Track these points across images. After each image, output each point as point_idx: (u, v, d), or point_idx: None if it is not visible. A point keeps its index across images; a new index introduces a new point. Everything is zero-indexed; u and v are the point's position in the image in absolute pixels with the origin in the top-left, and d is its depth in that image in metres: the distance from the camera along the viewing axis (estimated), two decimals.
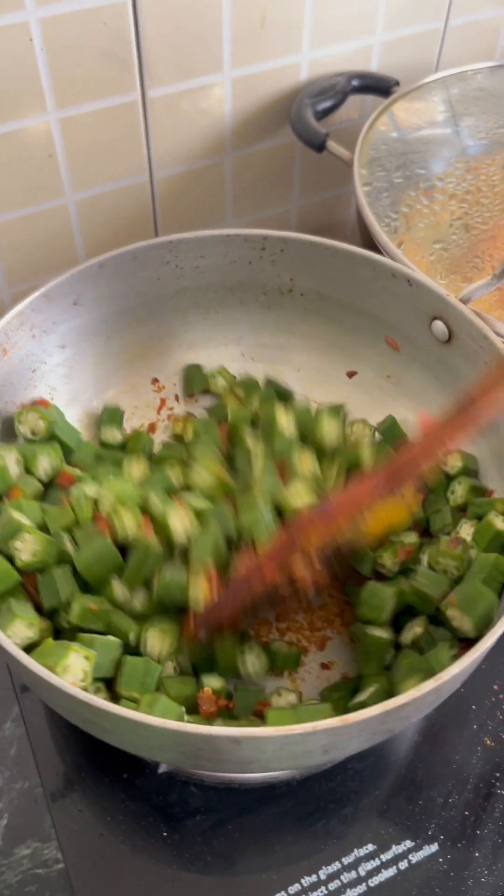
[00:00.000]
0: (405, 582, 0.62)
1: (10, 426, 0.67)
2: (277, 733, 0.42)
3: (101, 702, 0.42)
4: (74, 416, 0.73)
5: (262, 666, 0.62)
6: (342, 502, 0.54)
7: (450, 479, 0.67)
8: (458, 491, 0.65)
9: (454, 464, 0.67)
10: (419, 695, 0.44)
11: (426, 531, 0.67)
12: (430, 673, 0.45)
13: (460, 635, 0.57)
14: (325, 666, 0.65)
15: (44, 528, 0.61)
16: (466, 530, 0.63)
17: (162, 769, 0.56)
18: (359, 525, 0.54)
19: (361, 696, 0.56)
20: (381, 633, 0.61)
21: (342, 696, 0.60)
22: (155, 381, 0.77)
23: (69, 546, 0.60)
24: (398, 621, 0.63)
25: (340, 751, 0.47)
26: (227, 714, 0.58)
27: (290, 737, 0.42)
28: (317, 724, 0.42)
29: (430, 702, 0.47)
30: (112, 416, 0.73)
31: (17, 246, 0.84)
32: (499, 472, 0.64)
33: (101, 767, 0.64)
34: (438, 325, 0.65)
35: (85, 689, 0.46)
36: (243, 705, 0.59)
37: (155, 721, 0.42)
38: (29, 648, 0.54)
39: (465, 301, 0.62)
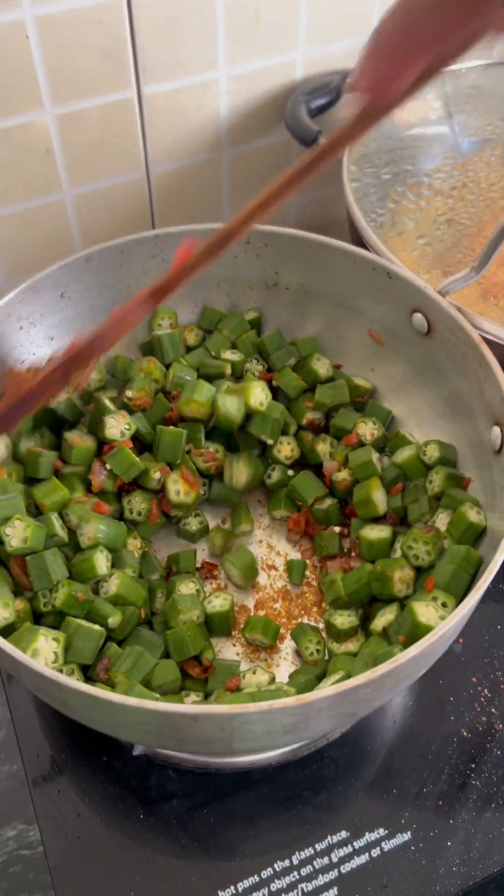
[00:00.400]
0: (371, 567, 0.63)
1: None
2: (233, 711, 0.43)
3: (62, 677, 0.44)
4: None
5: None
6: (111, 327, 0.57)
7: (428, 468, 0.67)
8: (436, 480, 0.66)
9: (432, 454, 0.67)
10: (374, 677, 0.44)
11: (404, 520, 0.68)
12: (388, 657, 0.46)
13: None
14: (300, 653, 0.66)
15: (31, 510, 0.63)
16: (442, 520, 0.63)
17: (137, 751, 0.57)
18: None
19: (326, 682, 0.57)
20: (346, 619, 0.62)
21: (309, 681, 0.61)
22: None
23: (59, 529, 0.61)
24: (371, 609, 0.64)
25: (302, 732, 0.48)
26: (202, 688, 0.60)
27: (246, 715, 0.43)
28: (272, 702, 0.43)
29: (390, 685, 0.48)
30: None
31: (15, 240, 0.86)
32: (475, 462, 0.65)
33: (81, 751, 0.65)
34: (418, 318, 0.66)
35: (59, 671, 0.47)
36: (217, 680, 0.60)
37: (114, 697, 0.43)
38: (6, 631, 0.55)
39: (443, 294, 0.62)
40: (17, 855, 0.62)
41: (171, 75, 0.81)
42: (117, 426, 0.67)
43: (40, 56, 0.74)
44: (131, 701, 0.43)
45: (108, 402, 0.69)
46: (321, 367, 0.73)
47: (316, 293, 0.73)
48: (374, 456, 0.69)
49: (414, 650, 0.46)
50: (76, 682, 0.43)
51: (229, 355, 0.74)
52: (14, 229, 0.85)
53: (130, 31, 0.76)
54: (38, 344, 0.70)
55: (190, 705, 0.43)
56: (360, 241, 0.72)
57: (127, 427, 0.68)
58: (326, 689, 0.43)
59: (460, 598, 0.56)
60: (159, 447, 0.68)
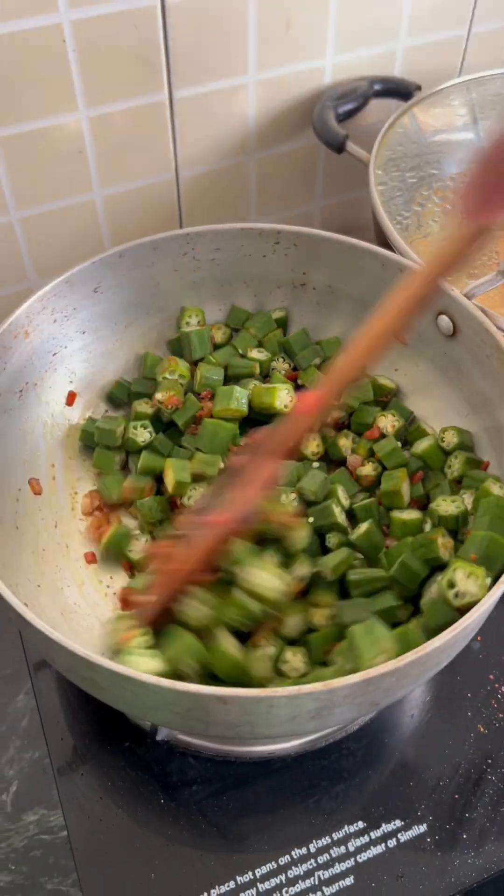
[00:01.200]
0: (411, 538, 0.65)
1: (32, 404, 0.70)
2: (260, 694, 0.44)
3: (95, 657, 0.45)
4: (91, 400, 0.76)
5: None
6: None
7: (447, 454, 0.69)
8: (455, 465, 0.67)
9: (450, 440, 0.69)
10: (400, 665, 0.45)
11: (426, 507, 0.69)
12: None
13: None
14: None
15: None
16: (466, 500, 0.64)
17: (161, 735, 0.58)
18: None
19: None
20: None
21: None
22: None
23: None
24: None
25: (326, 719, 0.49)
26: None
27: (274, 699, 0.44)
28: (300, 687, 0.44)
29: (415, 675, 0.49)
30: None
31: (46, 239, 0.88)
32: (492, 446, 0.66)
33: (105, 737, 0.66)
34: (444, 320, 0.67)
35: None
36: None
37: (147, 678, 0.45)
38: None
39: (469, 297, 0.64)
40: (38, 839, 0.63)
41: (202, 79, 0.83)
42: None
43: (76, 59, 0.76)
44: (164, 682, 0.44)
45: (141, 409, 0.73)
46: None
47: (343, 294, 0.75)
48: (398, 444, 0.70)
49: (438, 641, 0.47)
50: (109, 663, 0.45)
51: (256, 354, 0.76)
52: (45, 228, 0.87)
53: (164, 37, 0.78)
54: (69, 337, 0.72)
55: (219, 688, 0.45)
56: (385, 243, 0.73)
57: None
58: (351, 676, 0.45)
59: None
60: (206, 440, 0.69)
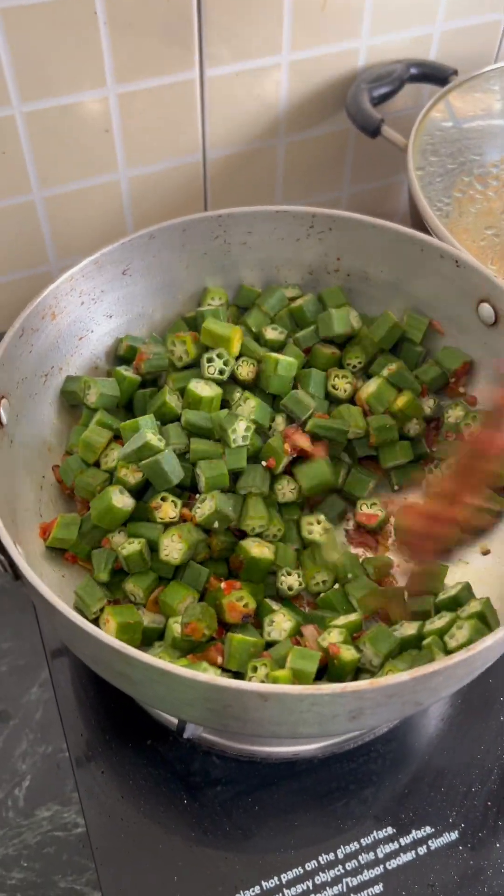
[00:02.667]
0: None
1: (58, 389, 0.68)
2: (306, 692, 0.42)
3: (133, 650, 0.43)
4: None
5: None
6: None
7: None
8: None
9: None
10: (451, 663, 0.43)
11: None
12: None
13: None
14: None
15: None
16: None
17: (188, 733, 0.56)
18: None
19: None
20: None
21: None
22: None
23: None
24: None
25: (367, 719, 0.47)
26: None
27: (319, 696, 0.42)
28: (346, 685, 0.42)
29: (462, 675, 0.47)
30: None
31: (68, 220, 0.86)
32: None
33: (125, 733, 0.64)
34: (485, 308, 0.65)
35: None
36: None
37: (185, 672, 0.42)
38: None
39: None
40: (51, 836, 0.61)
41: (234, 58, 0.81)
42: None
43: (106, 32, 0.74)
44: (202, 676, 0.42)
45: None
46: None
47: (377, 280, 0.72)
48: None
49: (490, 639, 0.44)
50: (146, 656, 0.43)
51: (271, 333, 0.72)
52: (68, 209, 0.85)
53: (198, 12, 0.76)
54: (97, 321, 0.70)
55: (261, 684, 0.42)
56: (423, 230, 0.71)
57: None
58: (401, 674, 0.43)
59: None
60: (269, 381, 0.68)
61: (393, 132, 0.80)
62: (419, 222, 0.72)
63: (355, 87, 0.83)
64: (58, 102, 0.76)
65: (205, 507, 0.62)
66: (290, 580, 0.64)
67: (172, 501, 0.62)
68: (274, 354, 0.67)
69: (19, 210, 0.82)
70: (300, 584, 0.64)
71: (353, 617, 0.60)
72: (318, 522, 0.67)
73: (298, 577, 0.65)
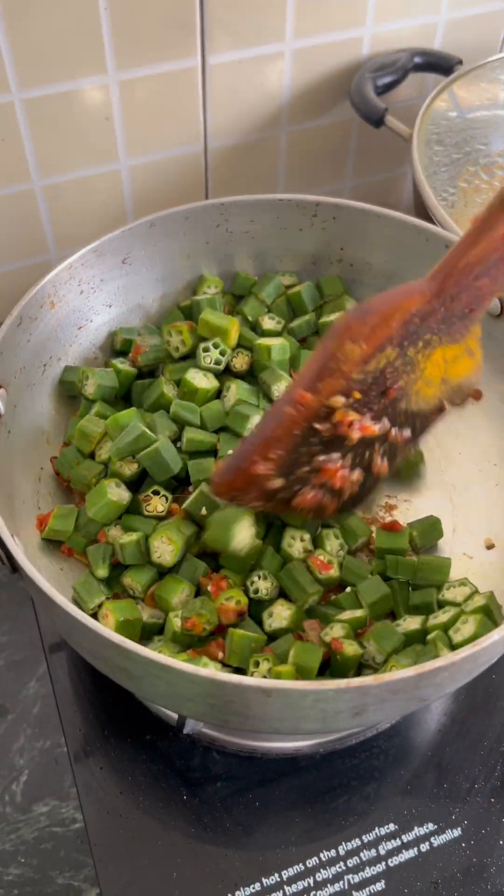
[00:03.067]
0: None
1: (56, 379, 0.67)
2: (310, 687, 0.41)
3: (134, 645, 0.42)
4: None
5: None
6: (385, 307, 0.45)
7: None
8: None
9: None
10: (456, 659, 0.42)
11: None
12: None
13: None
14: None
15: None
16: None
17: (187, 729, 0.55)
18: (410, 356, 0.45)
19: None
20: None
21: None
22: None
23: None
24: None
25: (371, 715, 0.46)
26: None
27: (322, 692, 0.42)
28: (349, 680, 0.41)
29: (467, 671, 0.46)
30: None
31: (68, 209, 0.84)
32: None
33: (124, 728, 0.63)
34: None
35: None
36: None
37: (186, 667, 0.42)
38: None
39: None
40: (49, 832, 0.61)
41: (237, 46, 0.79)
42: None
43: (107, 18, 0.72)
44: (204, 672, 0.41)
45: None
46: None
47: (380, 270, 0.71)
48: None
49: (497, 634, 0.44)
50: (147, 651, 0.42)
51: (268, 323, 0.71)
52: (68, 198, 0.83)
53: None
54: (96, 311, 0.69)
55: (264, 679, 0.42)
56: (427, 220, 0.70)
57: None
58: (405, 670, 0.42)
59: None
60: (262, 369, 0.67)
61: (397, 122, 0.79)
62: (424, 212, 0.72)
63: (359, 76, 0.82)
64: (58, 89, 0.75)
65: (192, 495, 0.61)
66: (261, 584, 0.61)
67: (163, 496, 0.62)
68: (266, 341, 0.66)
69: (19, 198, 0.81)
70: (269, 590, 0.61)
71: (357, 613, 0.59)
72: (302, 540, 0.63)
73: (271, 584, 0.61)
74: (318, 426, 0.48)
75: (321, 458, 0.50)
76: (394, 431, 0.50)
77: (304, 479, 0.52)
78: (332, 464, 0.50)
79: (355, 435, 0.48)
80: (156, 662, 0.42)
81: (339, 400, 0.47)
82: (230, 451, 0.61)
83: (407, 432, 0.51)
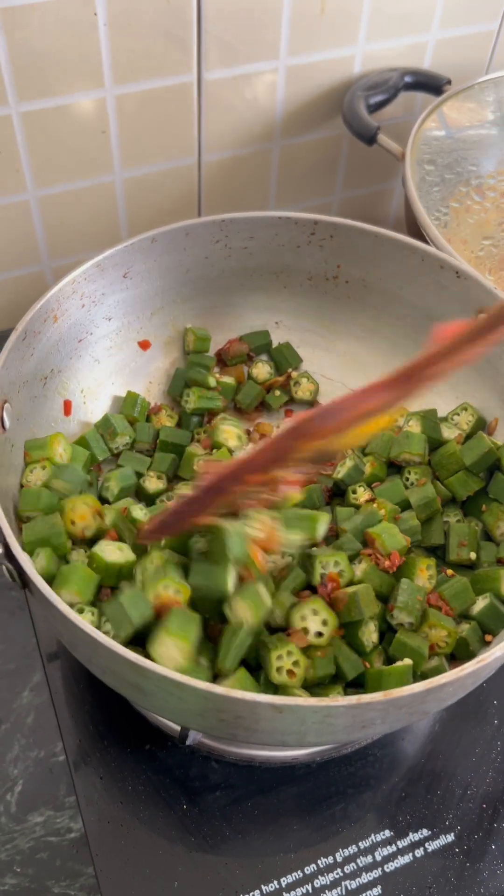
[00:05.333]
0: None
1: (56, 390, 0.68)
2: (320, 704, 0.42)
3: (149, 663, 0.43)
4: (117, 389, 0.73)
5: None
6: (347, 409, 0.49)
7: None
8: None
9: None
10: (462, 675, 0.44)
11: None
12: None
13: None
14: None
15: None
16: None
17: (189, 741, 0.56)
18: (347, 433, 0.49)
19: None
20: None
21: None
22: None
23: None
24: None
25: (377, 727, 0.47)
26: None
27: (332, 708, 0.43)
28: (360, 697, 0.42)
29: (469, 684, 0.48)
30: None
31: (62, 220, 0.85)
32: None
33: (124, 738, 0.64)
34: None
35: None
36: None
37: (200, 685, 0.42)
38: None
39: None
40: (44, 841, 0.61)
41: (232, 62, 0.81)
42: None
43: (106, 33, 0.73)
44: (218, 689, 0.42)
45: None
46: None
47: (376, 288, 0.73)
48: None
49: (499, 651, 0.45)
50: (161, 668, 0.43)
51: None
52: (62, 209, 0.84)
53: (197, 16, 0.76)
54: (96, 324, 0.69)
55: (275, 696, 0.43)
56: (419, 238, 0.72)
57: None
58: (415, 685, 0.43)
59: None
60: None
61: (389, 140, 0.80)
62: (416, 231, 0.73)
63: (351, 94, 0.84)
64: (55, 103, 0.76)
65: None
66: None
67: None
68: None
69: (13, 209, 0.81)
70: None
71: None
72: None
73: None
74: (257, 492, 0.54)
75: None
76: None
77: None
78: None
79: (292, 486, 0.54)
80: (170, 679, 0.43)
81: (281, 474, 0.53)
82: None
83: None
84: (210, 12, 0.76)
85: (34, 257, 0.87)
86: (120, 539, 0.60)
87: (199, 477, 0.57)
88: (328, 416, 0.49)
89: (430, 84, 0.87)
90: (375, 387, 0.48)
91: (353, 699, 0.42)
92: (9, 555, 0.49)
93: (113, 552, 0.57)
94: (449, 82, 0.86)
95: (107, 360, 0.72)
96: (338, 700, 0.42)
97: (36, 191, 0.81)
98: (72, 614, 0.46)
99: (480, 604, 0.60)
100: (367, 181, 0.99)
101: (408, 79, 0.86)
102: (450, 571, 0.62)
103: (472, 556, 0.63)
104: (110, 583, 0.57)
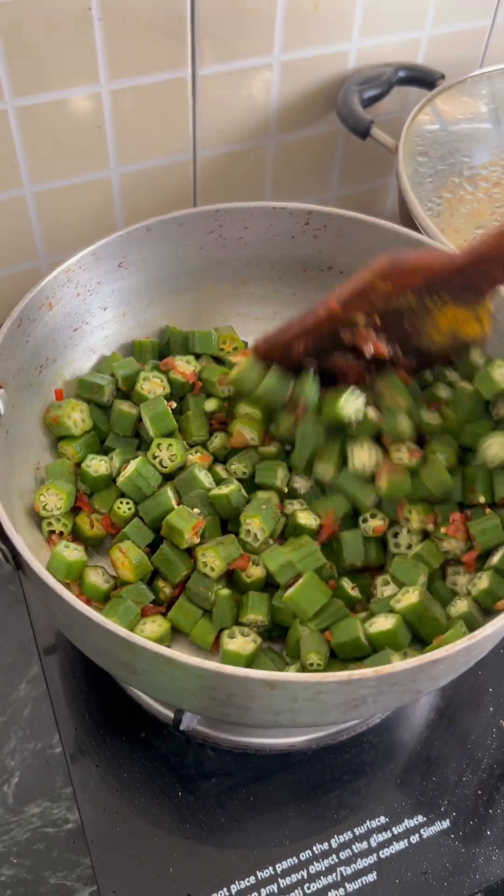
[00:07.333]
0: None
1: (52, 378, 0.68)
2: (312, 679, 0.42)
3: (140, 639, 0.43)
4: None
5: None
6: (415, 262, 0.56)
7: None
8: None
9: None
10: (452, 652, 0.44)
11: None
12: None
13: None
14: None
15: None
16: None
17: (183, 725, 0.56)
18: (426, 304, 0.56)
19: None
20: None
21: None
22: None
23: None
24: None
25: (368, 707, 0.47)
26: None
27: (325, 684, 0.43)
28: (351, 672, 0.43)
29: (461, 663, 0.48)
30: None
31: (58, 216, 0.85)
32: None
33: (119, 727, 0.64)
34: None
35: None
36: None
37: (192, 661, 0.43)
38: None
39: None
40: (41, 832, 0.61)
41: (226, 57, 0.81)
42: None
43: (101, 29, 0.74)
44: (209, 665, 0.43)
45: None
46: None
47: None
48: None
49: (490, 628, 0.45)
50: (155, 645, 0.43)
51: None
52: (58, 204, 0.84)
53: (191, 11, 0.76)
54: (91, 313, 0.70)
55: (268, 671, 0.43)
56: (413, 230, 0.72)
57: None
58: (404, 662, 0.43)
59: None
60: None
61: (382, 134, 0.81)
62: (409, 222, 0.74)
63: (345, 89, 0.84)
64: (50, 98, 0.76)
65: None
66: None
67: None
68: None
69: (10, 205, 0.82)
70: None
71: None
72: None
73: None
74: (342, 334, 0.60)
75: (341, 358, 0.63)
76: (402, 359, 0.62)
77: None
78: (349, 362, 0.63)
79: (369, 349, 0.60)
80: (162, 656, 0.43)
81: (361, 318, 0.59)
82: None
83: (413, 362, 0.63)
84: (204, 8, 0.76)
85: (30, 253, 0.87)
86: None
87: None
88: (400, 260, 0.57)
89: (424, 79, 0.87)
90: (444, 253, 0.58)
91: (345, 674, 0.43)
92: (2, 536, 0.50)
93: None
94: (442, 77, 0.87)
95: (102, 349, 0.72)
96: (328, 676, 0.42)
97: (32, 186, 0.81)
98: (65, 593, 0.46)
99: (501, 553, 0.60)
100: (363, 177, 0.99)
101: (402, 74, 0.87)
102: (488, 510, 0.61)
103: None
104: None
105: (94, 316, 0.70)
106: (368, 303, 0.58)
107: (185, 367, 0.70)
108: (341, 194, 0.99)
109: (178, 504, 0.62)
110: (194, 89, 0.82)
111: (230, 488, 0.63)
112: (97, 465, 0.65)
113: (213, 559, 0.60)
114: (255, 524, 0.61)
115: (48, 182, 0.82)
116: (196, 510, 0.62)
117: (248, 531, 0.61)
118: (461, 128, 0.82)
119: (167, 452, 0.65)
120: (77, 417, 0.66)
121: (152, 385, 0.68)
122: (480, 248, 0.54)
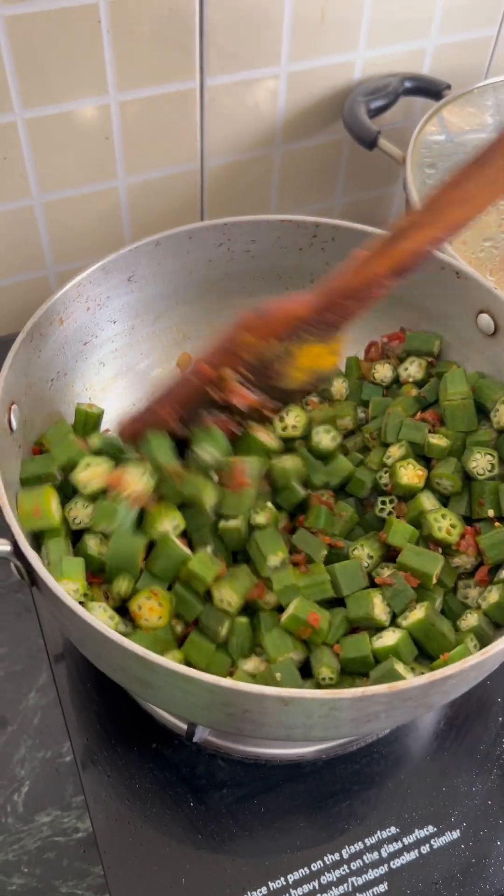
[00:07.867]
0: None
1: (62, 393, 0.68)
2: (327, 696, 0.43)
3: (157, 657, 0.43)
4: (120, 392, 0.74)
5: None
6: (278, 311, 0.58)
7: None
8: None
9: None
10: (465, 667, 0.44)
11: None
12: None
13: None
14: None
15: None
16: None
17: (196, 737, 0.57)
18: (289, 348, 0.58)
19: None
20: None
21: None
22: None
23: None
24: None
25: (381, 722, 0.48)
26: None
27: (337, 700, 0.43)
28: (365, 689, 0.43)
29: (472, 678, 0.48)
30: None
31: (66, 225, 0.86)
32: None
33: (131, 737, 0.64)
34: (485, 319, 0.66)
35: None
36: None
37: (208, 678, 0.43)
38: None
39: None
40: (51, 841, 0.62)
41: (234, 68, 0.82)
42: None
43: (110, 41, 0.74)
44: (225, 682, 0.43)
45: None
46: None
47: None
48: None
49: (501, 643, 0.46)
50: (170, 663, 0.43)
51: None
52: (67, 214, 0.85)
53: (199, 23, 0.77)
54: (101, 327, 0.70)
55: (282, 689, 0.43)
56: None
57: None
58: (418, 678, 0.44)
59: None
60: None
61: (389, 144, 0.81)
62: None
63: (352, 99, 0.85)
64: (59, 109, 0.77)
65: None
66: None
67: None
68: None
69: (18, 214, 0.82)
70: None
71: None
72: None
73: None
74: (211, 393, 0.61)
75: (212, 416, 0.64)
76: (268, 403, 0.64)
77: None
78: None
79: (241, 402, 0.62)
80: (178, 673, 0.43)
81: (229, 373, 0.60)
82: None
83: (278, 404, 0.65)
84: (212, 19, 0.77)
85: (39, 262, 0.88)
86: None
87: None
88: (264, 312, 0.58)
89: (430, 89, 0.88)
90: (301, 296, 0.57)
91: (358, 691, 0.43)
92: (17, 552, 0.50)
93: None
94: (448, 87, 0.87)
95: (112, 362, 0.72)
96: (343, 692, 0.43)
97: (40, 196, 0.82)
98: (81, 610, 0.46)
99: None
100: (368, 186, 0.99)
101: (407, 84, 0.87)
102: (497, 524, 0.61)
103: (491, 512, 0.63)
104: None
105: (104, 329, 0.70)
106: (235, 357, 0.59)
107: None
108: (346, 203, 1.00)
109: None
110: (202, 100, 0.83)
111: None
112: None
113: (229, 595, 0.58)
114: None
115: (56, 192, 0.82)
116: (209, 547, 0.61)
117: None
118: (468, 139, 0.82)
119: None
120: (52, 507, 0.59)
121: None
122: (335, 284, 0.56)
